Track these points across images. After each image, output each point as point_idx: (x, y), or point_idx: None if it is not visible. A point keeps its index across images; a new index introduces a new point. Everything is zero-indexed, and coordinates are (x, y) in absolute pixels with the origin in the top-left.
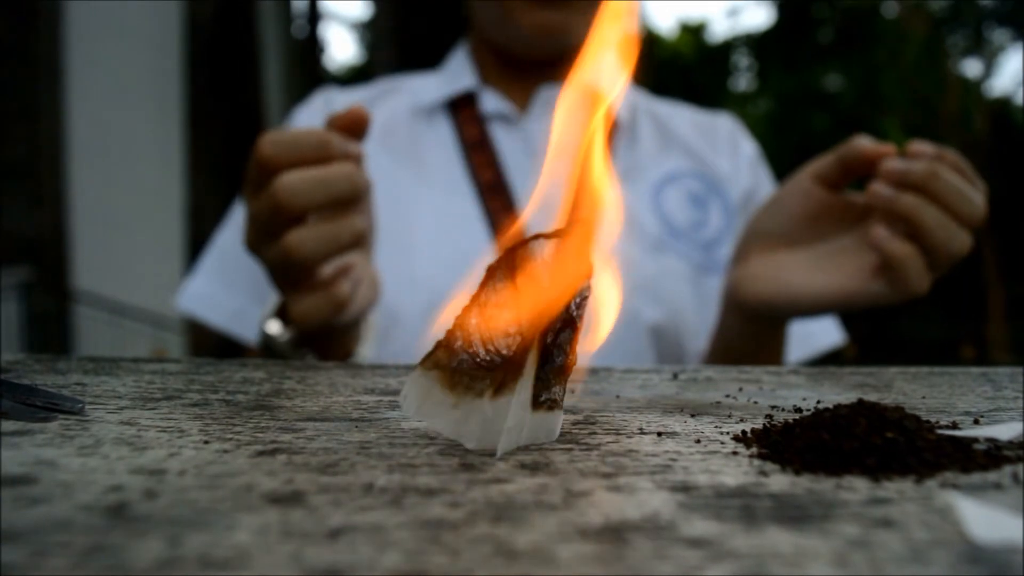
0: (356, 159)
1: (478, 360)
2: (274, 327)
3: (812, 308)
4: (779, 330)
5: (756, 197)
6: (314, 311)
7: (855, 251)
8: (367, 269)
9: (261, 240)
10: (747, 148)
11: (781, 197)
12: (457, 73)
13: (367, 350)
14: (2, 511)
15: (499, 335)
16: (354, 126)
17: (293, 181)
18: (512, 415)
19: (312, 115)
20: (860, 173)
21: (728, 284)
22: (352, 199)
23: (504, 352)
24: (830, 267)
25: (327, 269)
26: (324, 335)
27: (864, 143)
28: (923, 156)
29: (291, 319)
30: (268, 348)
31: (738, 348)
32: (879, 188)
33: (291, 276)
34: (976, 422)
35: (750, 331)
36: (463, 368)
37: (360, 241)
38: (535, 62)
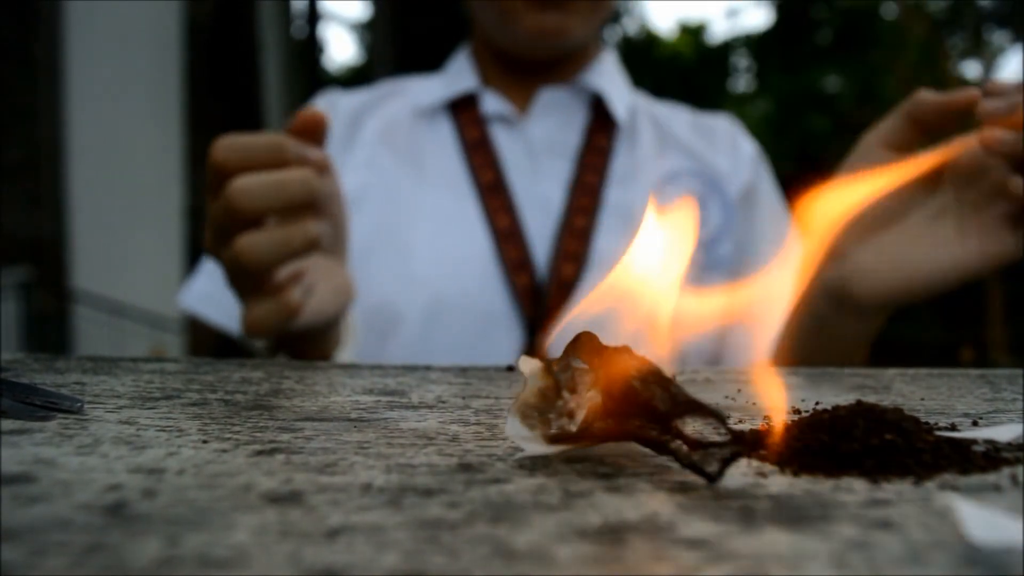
0: (316, 164)
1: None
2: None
3: (947, 284)
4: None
5: (756, 194)
6: (264, 317)
7: (965, 211)
8: (331, 274)
9: (217, 244)
10: (747, 147)
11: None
12: (458, 74)
13: (346, 354)
14: (1, 510)
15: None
16: (311, 130)
17: (245, 184)
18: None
19: None
20: (933, 127)
21: (831, 286)
22: (307, 204)
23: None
24: (948, 236)
25: (281, 275)
26: (298, 338)
27: (930, 95)
28: (1010, 91)
29: (242, 326)
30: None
31: (839, 349)
32: (994, 133)
33: (244, 281)
34: (975, 424)
35: (859, 330)
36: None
37: (314, 246)
38: (535, 63)
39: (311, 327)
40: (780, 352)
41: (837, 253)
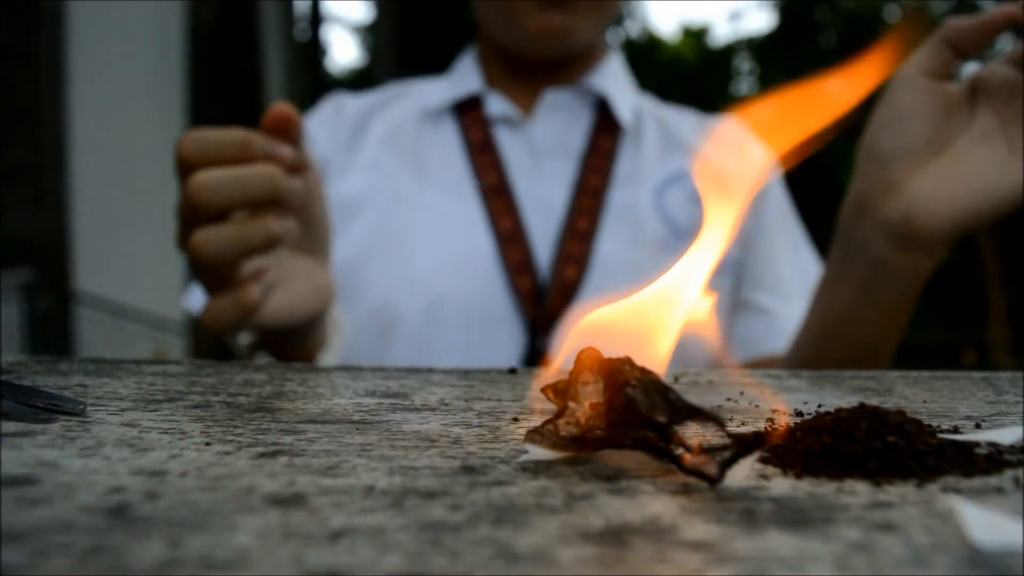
0: (285, 161)
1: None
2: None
3: (1012, 202)
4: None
5: (763, 193)
6: (222, 312)
7: (1009, 129)
8: (308, 274)
9: (182, 237)
10: (754, 147)
11: (898, 108)
12: (464, 76)
13: (330, 357)
14: (3, 512)
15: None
16: (282, 128)
17: (207, 178)
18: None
19: (322, 121)
20: (969, 51)
21: (892, 223)
22: (271, 200)
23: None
24: (1002, 154)
25: (247, 269)
26: (277, 337)
27: (963, 20)
28: None
29: (202, 320)
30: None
31: (892, 299)
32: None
33: (205, 275)
34: (978, 426)
35: (920, 267)
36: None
37: (274, 244)
38: (540, 65)
39: (286, 326)
40: (814, 329)
41: (892, 187)
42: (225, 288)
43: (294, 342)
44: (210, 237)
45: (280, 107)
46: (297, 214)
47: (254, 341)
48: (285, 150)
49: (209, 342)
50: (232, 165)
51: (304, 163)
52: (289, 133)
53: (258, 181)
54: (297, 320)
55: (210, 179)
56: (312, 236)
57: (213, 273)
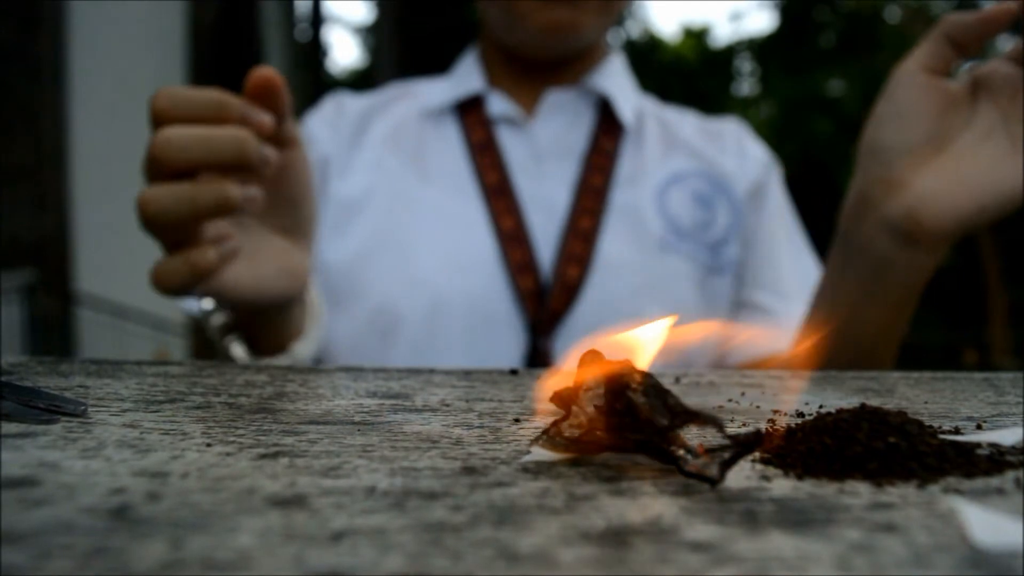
0: (260, 127)
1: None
2: (207, 303)
3: (1016, 200)
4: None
5: (764, 194)
6: (168, 272)
7: (1011, 125)
8: (280, 254)
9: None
10: (755, 148)
11: (899, 104)
12: (465, 76)
13: (306, 348)
14: (5, 513)
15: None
16: (264, 94)
17: (172, 134)
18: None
19: (323, 119)
20: (970, 47)
21: (896, 220)
22: (237, 165)
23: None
24: (1005, 150)
25: (208, 233)
26: (246, 318)
27: (963, 15)
28: None
29: (150, 278)
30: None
31: (895, 299)
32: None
33: (156, 235)
34: (979, 427)
35: (923, 264)
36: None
37: (227, 208)
38: (543, 64)
39: (251, 302)
40: (815, 329)
41: (895, 184)
42: (181, 249)
43: (264, 325)
44: (158, 194)
45: (263, 71)
46: (271, 186)
47: (226, 321)
48: (264, 117)
49: (206, 342)
50: (204, 125)
51: (289, 137)
52: (273, 101)
53: (225, 143)
54: (264, 299)
55: (174, 135)
56: (290, 215)
57: (163, 232)
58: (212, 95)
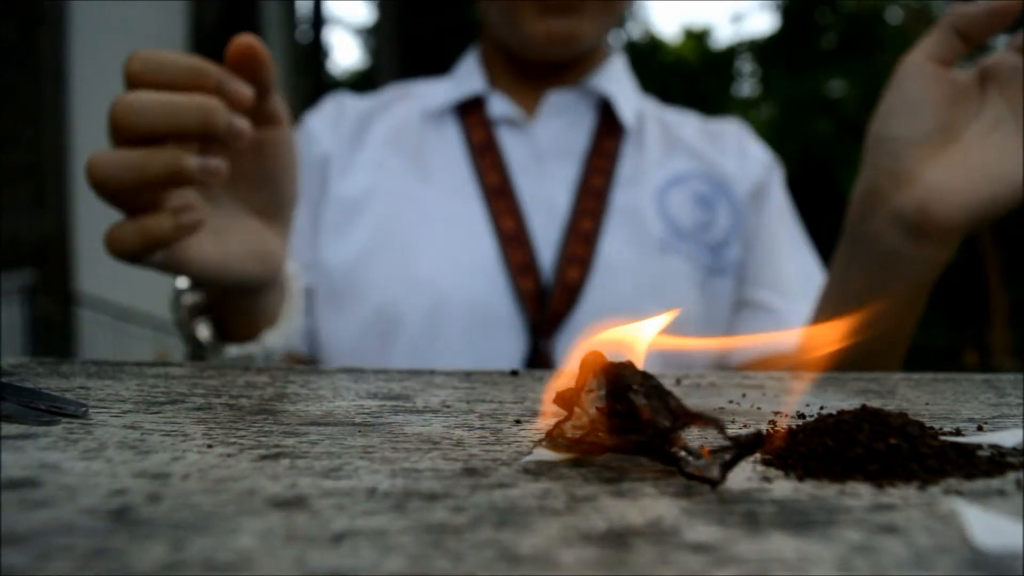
0: (244, 102)
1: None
2: (181, 281)
3: None
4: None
5: (766, 195)
6: (121, 237)
7: (1020, 116)
8: (255, 236)
9: None
10: (756, 149)
11: (907, 95)
12: (466, 77)
13: (278, 338)
14: (5, 514)
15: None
16: (246, 64)
17: (133, 99)
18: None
19: (324, 119)
20: (978, 37)
21: (906, 214)
22: (202, 134)
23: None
24: (1014, 142)
25: (173, 201)
26: (215, 299)
27: (971, 6)
28: None
29: (104, 242)
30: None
31: (906, 292)
32: None
33: (109, 200)
34: (980, 429)
35: (934, 258)
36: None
37: (180, 178)
38: (544, 65)
39: (216, 280)
40: (825, 321)
41: (904, 177)
42: (134, 216)
43: (233, 309)
44: (106, 159)
45: (245, 38)
46: (249, 162)
47: (197, 302)
48: (242, 87)
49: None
50: (176, 92)
51: (272, 112)
52: (256, 73)
53: (190, 110)
54: (229, 278)
55: (136, 100)
56: (267, 195)
57: (113, 198)
58: (188, 61)
